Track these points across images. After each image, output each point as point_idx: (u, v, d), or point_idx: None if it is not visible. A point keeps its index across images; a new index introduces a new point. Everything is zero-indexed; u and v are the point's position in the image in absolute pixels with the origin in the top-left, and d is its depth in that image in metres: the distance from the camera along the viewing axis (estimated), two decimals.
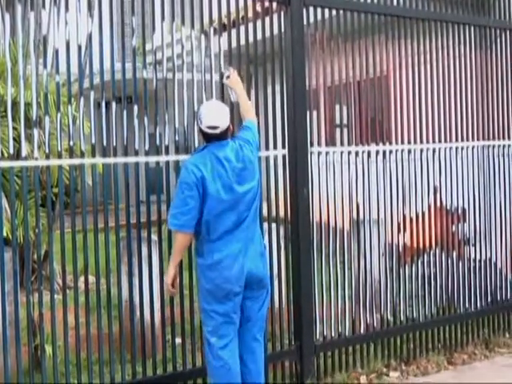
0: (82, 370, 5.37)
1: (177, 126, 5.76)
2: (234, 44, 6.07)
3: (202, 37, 5.93)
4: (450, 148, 7.28)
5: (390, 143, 6.95)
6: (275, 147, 6.22)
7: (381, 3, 6.83)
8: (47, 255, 6.14)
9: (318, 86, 6.50)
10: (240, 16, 6.10)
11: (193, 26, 5.89)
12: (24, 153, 5.20)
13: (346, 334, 6.59)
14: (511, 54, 7.80)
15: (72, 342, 5.37)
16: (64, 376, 5.32)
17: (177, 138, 5.77)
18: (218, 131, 5.14)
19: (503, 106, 7.74)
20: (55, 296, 5.30)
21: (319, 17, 6.45)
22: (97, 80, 5.46)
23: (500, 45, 7.72)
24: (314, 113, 6.52)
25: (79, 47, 5.32)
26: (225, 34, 6.08)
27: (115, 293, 5.55)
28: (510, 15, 7.81)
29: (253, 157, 5.30)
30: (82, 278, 5.51)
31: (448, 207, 7.32)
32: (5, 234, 7.41)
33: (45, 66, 5.23)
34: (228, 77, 5.57)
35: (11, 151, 5.17)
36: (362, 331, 6.69)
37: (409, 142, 7.01)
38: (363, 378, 6.47)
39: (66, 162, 5.44)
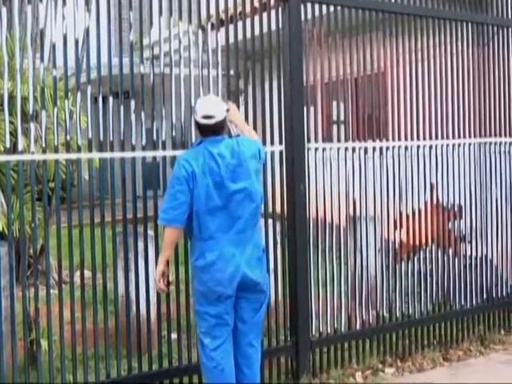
0: (77, 365, 5.38)
1: (174, 121, 5.75)
2: (231, 39, 6.06)
3: (200, 32, 5.92)
4: (447, 145, 7.28)
5: (387, 140, 6.95)
6: (272, 143, 6.21)
7: (378, 0, 6.82)
8: (43, 250, 6.13)
9: (316, 82, 6.50)
10: (238, 11, 6.10)
11: (190, 21, 5.88)
12: (20, 147, 5.19)
13: (342, 330, 6.60)
14: (508, 52, 7.81)
15: (68, 337, 5.38)
16: (59, 371, 5.32)
17: (174, 133, 5.76)
18: (213, 121, 5.10)
19: (500, 103, 7.74)
20: (51, 291, 5.29)
21: (317, 13, 6.44)
22: (94, 74, 5.44)
23: (497, 42, 7.72)
24: (311, 109, 6.52)
25: (76, 41, 5.31)
26: (222, 30, 6.06)
27: (111, 288, 5.55)
28: (507, 12, 7.81)
29: (250, 156, 5.18)
30: (78, 273, 5.52)
31: (444, 204, 7.32)
32: (0, 229, 7.45)
33: (42, 60, 5.22)
34: (227, 110, 5.41)
35: (7, 145, 5.16)
36: (357, 327, 6.70)
37: (405, 139, 7.01)
38: (359, 374, 6.48)
39: (62, 156, 5.44)
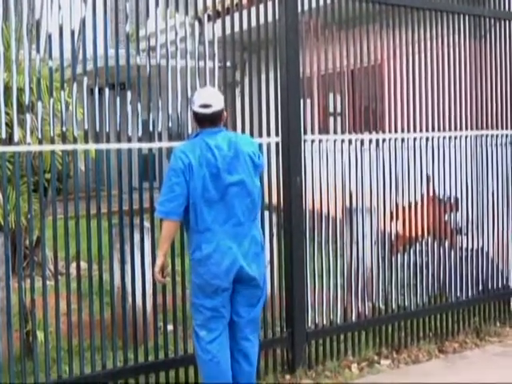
0: (73, 356, 5.37)
1: (170, 112, 5.75)
2: (228, 31, 6.05)
3: (196, 23, 5.91)
4: (444, 137, 7.28)
5: (383, 132, 6.95)
6: (268, 134, 6.21)
7: None
8: (39, 241, 6.13)
9: (312, 73, 6.49)
10: (234, 3, 6.09)
11: (187, 13, 5.87)
12: (16, 138, 5.18)
13: (338, 321, 6.61)
14: (505, 44, 7.80)
15: (64, 329, 5.38)
16: (55, 362, 5.32)
17: (170, 125, 5.75)
18: (210, 111, 5.07)
19: (497, 95, 7.74)
20: (47, 282, 5.29)
21: (314, 4, 6.43)
22: (90, 66, 5.44)
23: (494, 34, 7.71)
24: (308, 100, 6.51)
25: (72, 32, 5.30)
26: (219, 21, 6.05)
27: (107, 279, 5.55)
28: (504, 5, 7.80)
29: (247, 150, 5.16)
30: (74, 265, 5.51)
31: (441, 196, 7.33)
32: None
33: (38, 50, 5.21)
34: None
35: (3, 136, 5.14)
36: (353, 319, 6.71)
37: (402, 131, 7.01)
38: (354, 366, 6.48)
39: (58, 147, 5.43)
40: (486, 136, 7.64)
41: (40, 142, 5.28)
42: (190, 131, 5.81)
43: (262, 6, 6.22)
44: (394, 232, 7.05)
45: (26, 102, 5.18)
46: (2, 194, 5.98)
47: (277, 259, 6.28)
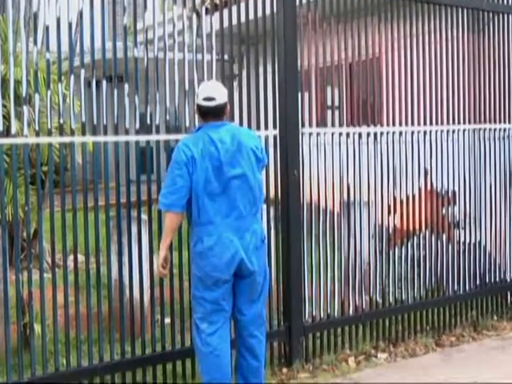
0: (70, 349, 5.38)
1: (167, 105, 5.74)
2: (225, 24, 6.04)
3: (194, 16, 5.90)
4: (442, 131, 7.28)
5: (381, 125, 6.95)
6: (266, 127, 6.20)
7: None
8: (36, 233, 6.12)
9: (310, 66, 6.48)
10: None
11: (185, 5, 5.85)
12: (13, 130, 5.17)
13: (335, 315, 6.61)
14: (504, 38, 7.79)
15: (61, 321, 5.38)
16: (53, 355, 5.31)
17: (167, 118, 5.75)
18: (214, 103, 5.12)
19: (495, 89, 7.74)
20: (44, 274, 5.28)
21: None
22: (87, 58, 5.42)
23: (492, 28, 7.71)
24: (306, 94, 6.51)
25: (70, 25, 5.29)
26: (217, 14, 6.04)
27: (104, 272, 5.54)
28: None
29: (249, 143, 5.20)
30: (71, 257, 5.51)
31: (438, 190, 7.33)
32: None
33: (35, 43, 5.19)
34: None
35: (0, 128, 5.13)
36: (350, 313, 6.71)
37: (400, 124, 7.01)
38: (351, 360, 6.49)
39: (55, 139, 5.43)
40: (484, 130, 7.64)
41: (37, 135, 5.26)
42: (187, 124, 5.81)
43: None
44: (391, 225, 7.05)
45: (24, 95, 5.17)
46: None
47: (274, 252, 6.27)
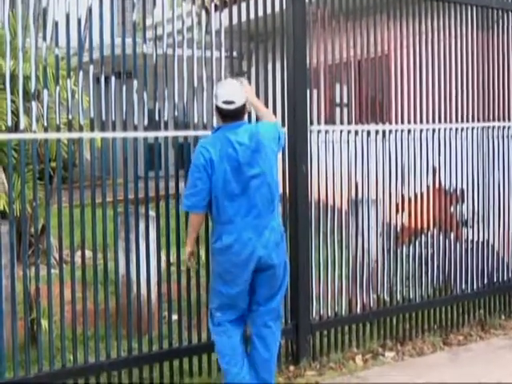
0: (77, 345, 5.39)
1: (176, 101, 5.73)
2: (235, 21, 6.03)
3: (203, 13, 5.89)
4: (450, 129, 7.25)
5: (390, 123, 6.93)
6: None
7: None
8: (44, 229, 6.12)
9: (319, 64, 6.47)
10: None
11: (194, 2, 5.85)
12: (22, 126, 5.17)
13: (343, 313, 6.59)
14: None
15: (68, 317, 5.38)
16: (60, 351, 5.32)
17: (176, 114, 5.74)
18: (233, 107, 5.18)
19: (504, 87, 7.71)
20: (52, 270, 5.28)
21: None
22: (96, 54, 5.43)
23: (502, 26, 7.68)
24: (315, 91, 6.49)
25: (79, 21, 5.29)
26: (226, 10, 6.03)
27: (112, 268, 5.55)
28: None
29: (268, 140, 5.28)
30: (78, 253, 5.51)
31: (446, 188, 7.31)
32: (1, 208, 7.44)
33: (44, 39, 5.20)
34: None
35: (9, 124, 5.14)
36: (358, 311, 6.70)
37: (408, 122, 6.98)
38: (359, 358, 6.48)
39: (64, 135, 5.42)
40: (493, 128, 7.61)
41: (46, 130, 5.27)
42: (196, 120, 5.80)
43: None
44: (399, 223, 7.03)
45: (32, 90, 5.17)
46: (7, 182, 5.99)
47: None
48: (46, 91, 5.21)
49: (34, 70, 5.16)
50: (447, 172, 7.26)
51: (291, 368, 6.19)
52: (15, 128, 5.33)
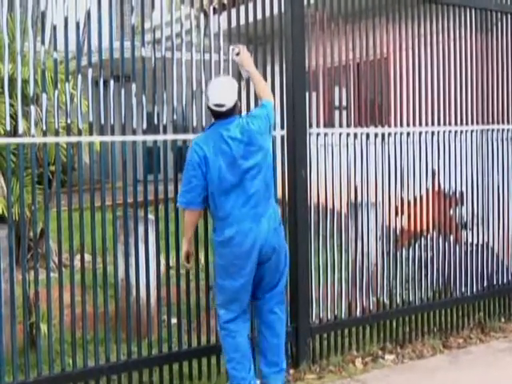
0: (77, 349, 5.38)
1: (175, 105, 5.73)
2: (233, 24, 6.03)
3: (202, 16, 5.89)
4: (449, 131, 7.25)
5: (389, 126, 6.92)
6: (274, 128, 6.18)
7: None
8: (43, 233, 6.11)
9: (318, 67, 6.46)
10: None
11: (192, 5, 5.85)
12: (21, 130, 5.16)
13: (342, 316, 6.58)
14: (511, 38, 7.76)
15: (67, 321, 5.38)
16: (59, 355, 5.31)
17: (175, 118, 5.73)
18: (223, 109, 5.26)
19: (503, 90, 7.70)
20: (51, 274, 5.27)
21: None
22: (95, 58, 5.42)
23: (501, 28, 7.67)
24: (313, 94, 6.49)
25: (77, 24, 5.28)
26: (224, 14, 6.03)
27: (111, 272, 5.54)
28: None
29: (260, 133, 5.35)
30: (78, 257, 5.50)
31: (446, 191, 7.30)
32: (0, 212, 7.43)
33: (42, 42, 5.19)
34: (237, 54, 5.57)
35: (8, 128, 5.13)
36: (358, 314, 6.69)
37: (408, 125, 6.98)
38: (358, 361, 6.47)
39: (63, 139, 5.43)
40: (492, 130, 7.61)
41: (44, 134, 5.26)
42: (195, 124, 5.80)
43: None
44: (398, 226, 7.03)
45: (31, 94, 5.17)
46: (6, 186, 5.98)
47: None
48: (44, 95, 5.20)
49: (32, 73, 5.16)
50: (446, 175, 7.25)
51: (291, 371, 6.17)
52: (14, 132, 5.33)
